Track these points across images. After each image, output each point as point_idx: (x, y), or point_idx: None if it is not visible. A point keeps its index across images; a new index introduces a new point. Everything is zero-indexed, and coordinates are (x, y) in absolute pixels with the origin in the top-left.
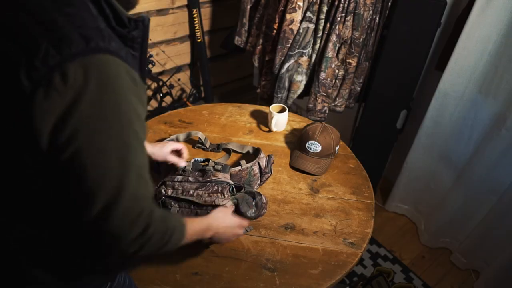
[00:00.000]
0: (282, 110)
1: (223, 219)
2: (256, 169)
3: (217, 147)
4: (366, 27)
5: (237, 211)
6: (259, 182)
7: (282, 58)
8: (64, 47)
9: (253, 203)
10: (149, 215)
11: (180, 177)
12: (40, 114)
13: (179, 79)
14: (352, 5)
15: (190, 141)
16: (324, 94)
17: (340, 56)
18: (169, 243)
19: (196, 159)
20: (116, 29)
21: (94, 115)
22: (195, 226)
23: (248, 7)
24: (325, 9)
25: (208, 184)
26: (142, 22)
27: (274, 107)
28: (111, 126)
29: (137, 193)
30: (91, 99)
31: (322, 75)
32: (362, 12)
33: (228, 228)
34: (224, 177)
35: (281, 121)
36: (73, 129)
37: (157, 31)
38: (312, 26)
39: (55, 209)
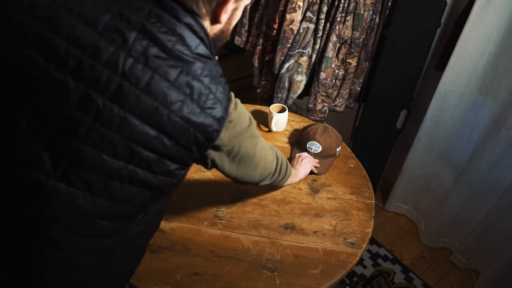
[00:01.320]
0: (282, 110)
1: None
2: None
3: None
4: (366, 27)
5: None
6: None
7: (282, 58)
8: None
9: None
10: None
11: None
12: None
13: None
14: (352, 5)
15: None
16: (324, 94)
17: (340, 56)
18: (284, 170)
19: None
20: None
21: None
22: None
23: (248, 7)
24: (325, 9)
25: None
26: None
27: (274, 107)
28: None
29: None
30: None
31: (322, 75)
32: (362, 12)
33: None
34: None
35: (281, 121)
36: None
37: None
38: (312, 26)
39: None
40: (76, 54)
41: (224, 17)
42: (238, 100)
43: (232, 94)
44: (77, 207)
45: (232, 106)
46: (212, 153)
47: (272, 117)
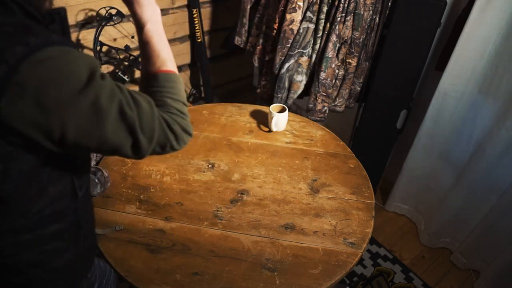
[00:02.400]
0: (282, 110)
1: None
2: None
3: None
4: (366, 27)
5: None
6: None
7: (282, 58)
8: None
9: (96, 181)
10: (160, 119)
11: None
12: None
13: None
14: (352, 5)
15: None
16: (324, 94)
17: (340, 56)
18: (184, 101)
19: None
20: None
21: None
22: (161, 48)
23: (248, 7)
24: (325, 9)
25: None
26: (58, 15)
27: (274, 107)
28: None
29: (146, 113)
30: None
31: (322, 75)
32: (362, 12)
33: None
34: None
35: (281, 121)
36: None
37: None
38: (312, 26)
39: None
40: None
41: None
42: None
43: None
44: None
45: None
46: None
47: (272, 117)
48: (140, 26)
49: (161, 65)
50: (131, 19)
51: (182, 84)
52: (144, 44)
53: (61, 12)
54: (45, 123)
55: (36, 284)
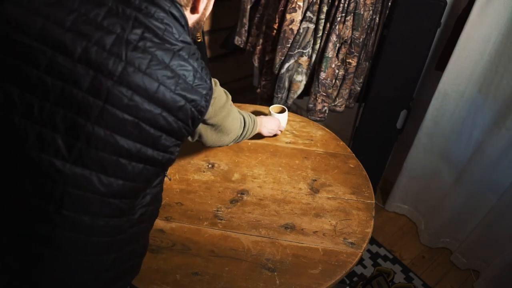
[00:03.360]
0: (282, 111)
1: (266, 121)
2: None
3: None
4: (366, 27)
5: None
6: None
7: (282, 58)
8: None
9: None
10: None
11: None
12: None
13: None
14: (352, 5)
15: None
16: (324, 94)
17: (340, 56)
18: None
19: None
20: None
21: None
22: (254, 122)
23: (248, 7)
24: (325, 9)
25: None
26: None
27: (274, 108)
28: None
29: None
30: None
31: (322, 75)
32: (362, 12)
33: (270, 125)
34: None
35: (281, 122)
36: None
37: None
38: (312, 26)
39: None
40: (82, 43)
41: (201, 7)
42: (215, 79)
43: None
44: (94, 188)
45: (213, 84)
46: (200, 126)
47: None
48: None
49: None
50: None
51: (251, 126)
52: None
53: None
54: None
55: (143, 240)
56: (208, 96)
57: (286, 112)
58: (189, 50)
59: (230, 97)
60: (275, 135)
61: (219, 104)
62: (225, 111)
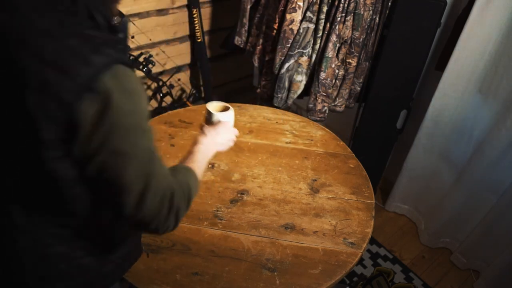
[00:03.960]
0: (225, 109)
1: (212, 137)
2: None
3: None
4: (366, 27)
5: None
6: None
7: (282, 58)
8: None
9: None
10: (171, 187)
11: None
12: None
13: (179, 79)
14: (352, 5)
15: None
16: (324, 94)
17: (340, 56)
18: (191, 196)
19: None
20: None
21: (122, 118)
22: (198, 160)
23: (248, 7)
24: (325, 9)
25: None
26: (124, 24)
27: (215, 107)
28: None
29: (162, 172)
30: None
31: (322, 75)
32: (362, 12)
33: (221, 139)
34: None
35: (230, 123)
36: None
37: (157, 31)
38: (312, 26)
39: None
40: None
41: None
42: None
43: None
44: None
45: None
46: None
47: (212, 119)
48: (195, 141)
49: (192, 165)
50: (130, 18)
51: (197, 189)
52: (189, 152)
53: (126, 22)
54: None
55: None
56: None
57: (231, 111)
58: None
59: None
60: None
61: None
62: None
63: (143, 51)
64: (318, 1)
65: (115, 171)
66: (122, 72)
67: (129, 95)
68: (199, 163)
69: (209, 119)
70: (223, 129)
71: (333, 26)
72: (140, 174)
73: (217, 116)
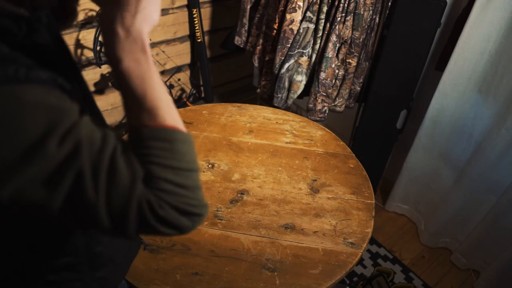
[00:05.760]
0: None
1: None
2: None
3: None
4: (366, 27)
5: None
6: None
7: (282, 58)
8: None
9: None
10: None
11: None
12: None
13: (179, 79)
14: (352, 5)
15: None
16: (324, 94)
17: (340, 56)
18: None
19: None
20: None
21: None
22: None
23: (248, 7)
24: (325, 9)
25: None
26: (38, 21)
27: None
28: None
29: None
30: None
31: (322, 75)
32: (362, 12)
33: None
34: None
35: None
36: None
37: (157, 31)
38: (312, 26)
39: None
40: None
41: None
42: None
43: None
44: None
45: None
46: None
47: None
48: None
49: (148, 118)
50: None
51: (188, 144)
52: (123, 89)
53: (43, 18)
54: None
55: None
56: None
57: None
58: None
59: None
60: None
61: None
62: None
63: None
64: (318, 1)
65: None
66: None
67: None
68: (152, 95)
69: None
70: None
71: (333, 26)
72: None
73: None
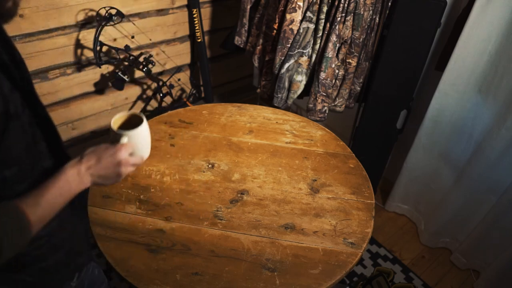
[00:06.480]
0: (135, 123)
1: (89, 167)
2: None
3: None
4: (366, 27)
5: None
6: None
7: (282, 58)
8: None
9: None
10: None
11: None
12: None
13: (179, 79)
14: (352, 5)
15: None
16: (324, 94)
17: (340, 56)
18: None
19: None
20: None
21: None
22: (44, 200)
23: (248, 7)
24: (325, 9)
25: None
26: None
27: (119, 119)
28: None
29: None
30: None
31: (322, 75)
32: (362, 12)
33: (104, 171)
34: None
35: (136, 143)
36: None
37: (157, 31)
38: (312, 26)
39: None
40: None
41: None
42: None
43: None
44: None
45: None
46: None
47: (113, 139)
48: (61, 169)
49: (26, 206)
50: (131, 18)
51: (16, 238)
52: (41, 185)
53: None
54: None
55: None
56: None
57: (144, 123)
58: None
59: None
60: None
61: None
62: None
63: (143, 51)
64: (318, 1)
65: None
66: None
67: None
68: (42, 205)
69: (112, 138)
70: (112, 157)
71: (333, 26)
72: None
73: (125, 135)
